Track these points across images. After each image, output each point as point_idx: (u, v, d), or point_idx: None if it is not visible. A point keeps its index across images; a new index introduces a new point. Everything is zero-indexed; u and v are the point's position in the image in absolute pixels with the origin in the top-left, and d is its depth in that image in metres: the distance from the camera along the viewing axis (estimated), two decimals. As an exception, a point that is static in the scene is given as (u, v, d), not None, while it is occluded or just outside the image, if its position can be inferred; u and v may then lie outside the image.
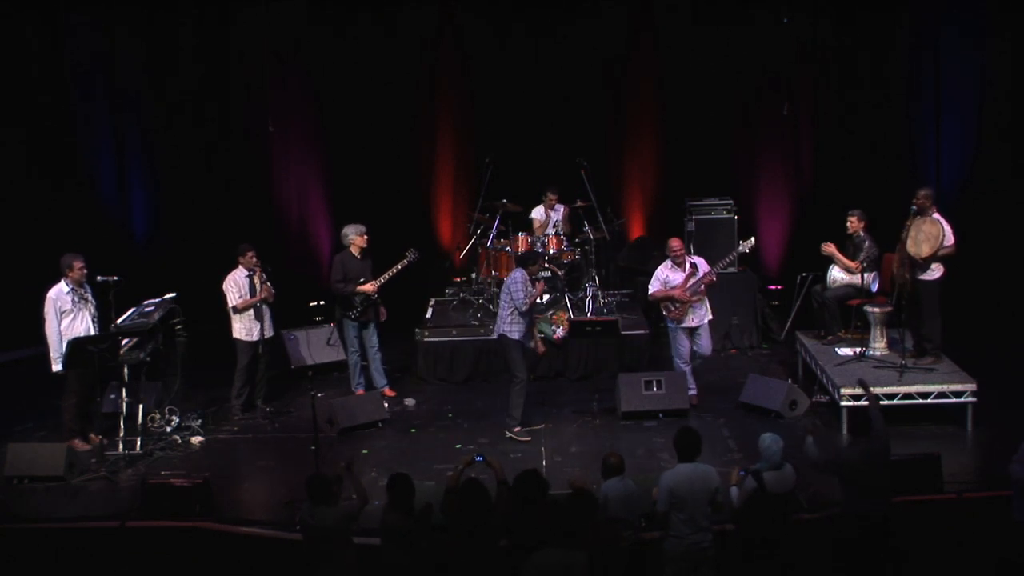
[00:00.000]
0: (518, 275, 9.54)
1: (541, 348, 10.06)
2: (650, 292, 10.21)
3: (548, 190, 12.41)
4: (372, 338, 10.73)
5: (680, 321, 10.01)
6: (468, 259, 12.79)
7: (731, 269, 11.42)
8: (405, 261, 10.65)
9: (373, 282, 10.53)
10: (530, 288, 9.54)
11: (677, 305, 9.96)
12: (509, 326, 9.54)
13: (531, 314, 9.73)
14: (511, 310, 9.48)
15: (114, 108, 13.16)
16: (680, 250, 10.02)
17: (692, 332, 10.09)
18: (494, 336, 9.85)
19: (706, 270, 10.05)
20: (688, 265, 10.00)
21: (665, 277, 10.06)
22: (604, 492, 6.92)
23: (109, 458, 9.19)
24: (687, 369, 10.15)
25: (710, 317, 10.18)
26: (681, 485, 6.66)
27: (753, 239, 10.43)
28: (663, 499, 6.69)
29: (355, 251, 10.60)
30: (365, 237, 10.60)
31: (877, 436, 6.92)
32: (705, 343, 10.13)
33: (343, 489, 7.16)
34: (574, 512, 6.35)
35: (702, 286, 9.97)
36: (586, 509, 6.37)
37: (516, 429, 9.59)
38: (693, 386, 10.22)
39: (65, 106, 12.83)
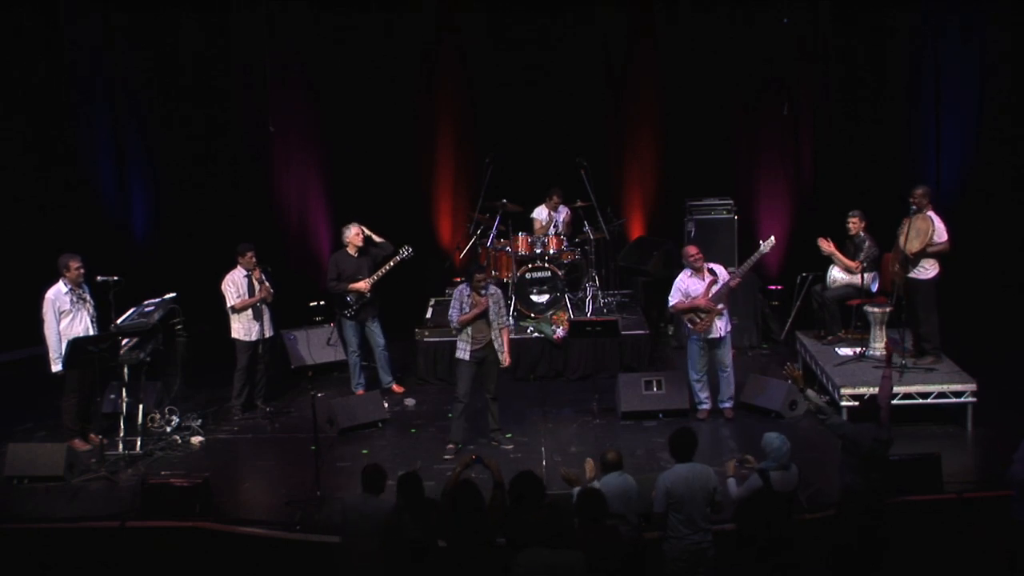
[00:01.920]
0: (456, 292, 9.35)
1: (507, 361, 9.49)
2: (671, 304, 9.86)
3: (553, 191, 12.41)
4: (377, 337, 10.75)
5: (707, 333, 9.70)
6: (468, 259, 12.79)
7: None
8: (398, 257, 10.63)
9: (367, 280, 10.53)
10: (466, 305, 9.21)
11: (703, 316, 9.65)
12: (457, 344, 9.39)
13: (485, 330, 9.24)
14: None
15: (114, 108, 13.14)
16: (697, 256, 9.66)
17: (713, 344, 9.79)
18: None
19: (726, 277, 9.75)
20: (707, 272, 9.72)
21: (685, 288, 9.72)
22: (602, 488, 6.92)
23: (109, 458, 9.20)
24: (698, 385, 9.97)
25: (730, 328, 9.91)
26: (679, 485, 6.67)
27: (773, 238, 9.94)
28: (660, 500, 6.70)
29: (351, 250, 10.60)
30: (360, 236, 10.59)
31: (884, 427, 6.93)
32: (727, 355, 9.88)
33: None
34: (583, 510, 6.35)
35: (726, 290, 9.66)
36: (595, 507, 6.37)
37: (449, 446, 9.33)
38: (706, 400, 10.00)
39: (65, 106, 12.82)
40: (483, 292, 9.26)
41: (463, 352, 9.31)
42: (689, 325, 9.80)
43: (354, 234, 10.58)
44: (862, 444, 6.84)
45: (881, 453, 6.86)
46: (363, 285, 10.53)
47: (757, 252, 9.85)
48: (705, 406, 10.02)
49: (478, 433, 9.72)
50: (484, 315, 9.24)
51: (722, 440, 9.41)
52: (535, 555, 5.97)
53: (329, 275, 10.62)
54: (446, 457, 9.20)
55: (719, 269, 9.86)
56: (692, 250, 9.81)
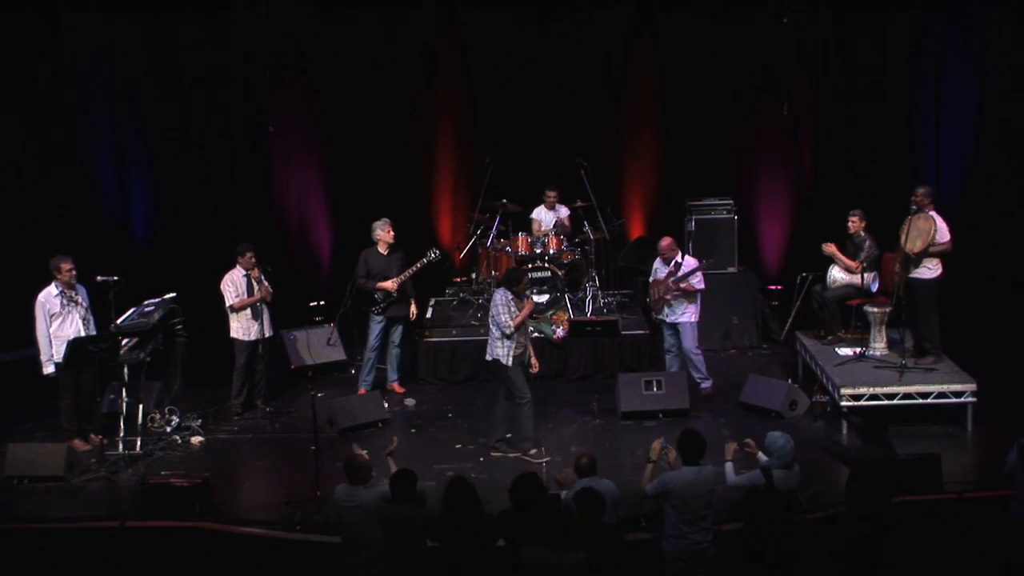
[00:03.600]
0: (499, 297, 9.11)
1: (536, 367, 9.47)
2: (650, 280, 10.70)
3: (547, 188, 12.41)
4: (395, 335, 10.80)
5: (657, 313, 10.48)
6: (468, 259, 12.80)
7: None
8: (425, 260, 10.65)
9: (394, 280, 10.53)
10: (513, 309, 9.09)
11: (653, 299, 10.46)
12: (501, 350, 9.13)
13: (525, 334, 9.27)
14: (499, 334, 9.11)
15: (114, 108, 13.15)
16: (667, 250, 10.31)
17: (672, 328, 10.41)
18: (488, 358, 9.33)
19: (687, 268, 10.18)
20: (673, 264, 10.24)
21: (655, 269, 10.57)
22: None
23: (109, 458, 9.20)
24: (673, 362, 10.51)
25: (691, 319, 10.29)
26: (682, 487, 6.67)
27: (712, 260, 10.82)
28: (655, 487, 6.75)
29: (381, 248, 10.62)
30: (391, 232, 10.61)
31: (889, 443, 6.93)
32: (684, 342, 10.31)
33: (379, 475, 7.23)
34: (582, 512, 6.35)
35: (671, 290, 10.20)
36: (594, 509, 6.37)
37: (532, 451, 9.24)
38: (704, 381, 10.48)
39: (65, 106, 12.82)
40: (527, 295, 9.25)
41: (507, 357, 9.09)
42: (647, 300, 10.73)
43: (385, 231, 10.57)
44: (872, 467, 6.84)
45: (886, 472, 6.86)
46: (391, 284, 10.52)
47: (680, 271, 10.32)
48: (707, 384, 10.52)
49: (478, 434, 9.74)
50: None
51: (722, 440, 9.36)
52: (536, 554, 5.98)
53: (358, 271, 10.63)
54: (544, 460, 9.09)
55: (687, 264, 10.26)
56: (664, 243, 10.42)
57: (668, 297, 10.23)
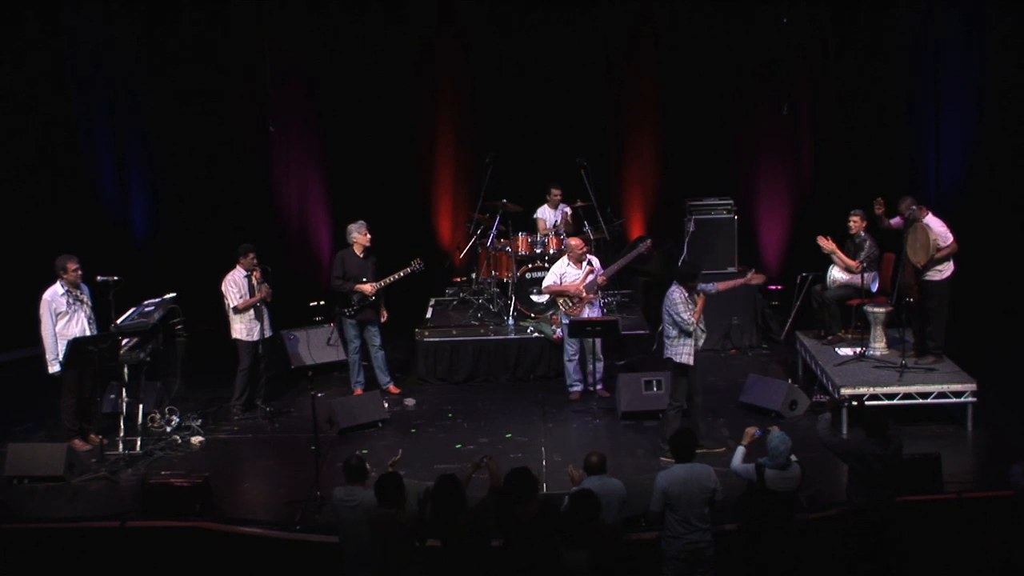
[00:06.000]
0: (676, 296, 8.78)
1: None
2: (544, 286, 10.61)
3: (551, 186, 12.42)
4: (374, 338, 10.71)
5: (578, 318, 10.26)
6: (468, 259, 12.80)
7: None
8: (408, 269, 10.56)
9: (373, 284, 10.50)
10: (691, 305, 8.81)
11: (575, 301, 10.31)
12: (682, 348, 8.83)
13: (698, 329, 8.88)
14: (677, 332, 8.81)
15: (114, 108, 13.15)
16: (580, 249, 10.34)
17: None
18: (666, 356, 9.00)
19: (600, 270, 10.33)
20: (588, 262, 10.34)
21: (562, 273, 10.42)
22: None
23: (109, 458, 9.20)
24: (571, 365, 10.51)
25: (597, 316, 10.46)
26: (675, 486, 6.69)
27: (649, 240, 10.77)
28: (656, 499, 6.74)
29: (357, 249, 10.56)
30: (367, 235, 10.56)
31: (893, 438, 6.93)
32: (598, 341, 10.26)
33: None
34: (577, 512, 6.35)
35: (596, 287, 10.32)
36: (589, 509, 6.37)
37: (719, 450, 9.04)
38: (578, 382, 10.54)
39: (65, 106, 12.82)
40: (698, 291, 9.00)
41: (689, 356, 8.82)
42: (561, 308, 10.44)
43: (362, 234, 10.54)
44: (870, 463, 6.84)
45: (882, 469, 6.85)
46: (368, 288, 10.48)
47: (633, 251, 10.49)
48: (577, 388, 10.56)
49: (479, 433, 9.74)
50: None
51: (722, 440, 9.39)
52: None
53: (334, 272, 10.59)
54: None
55: (596, 262, 10.42)
56: (576, 243, 10.46)
57: (591, 296, 10.32)
